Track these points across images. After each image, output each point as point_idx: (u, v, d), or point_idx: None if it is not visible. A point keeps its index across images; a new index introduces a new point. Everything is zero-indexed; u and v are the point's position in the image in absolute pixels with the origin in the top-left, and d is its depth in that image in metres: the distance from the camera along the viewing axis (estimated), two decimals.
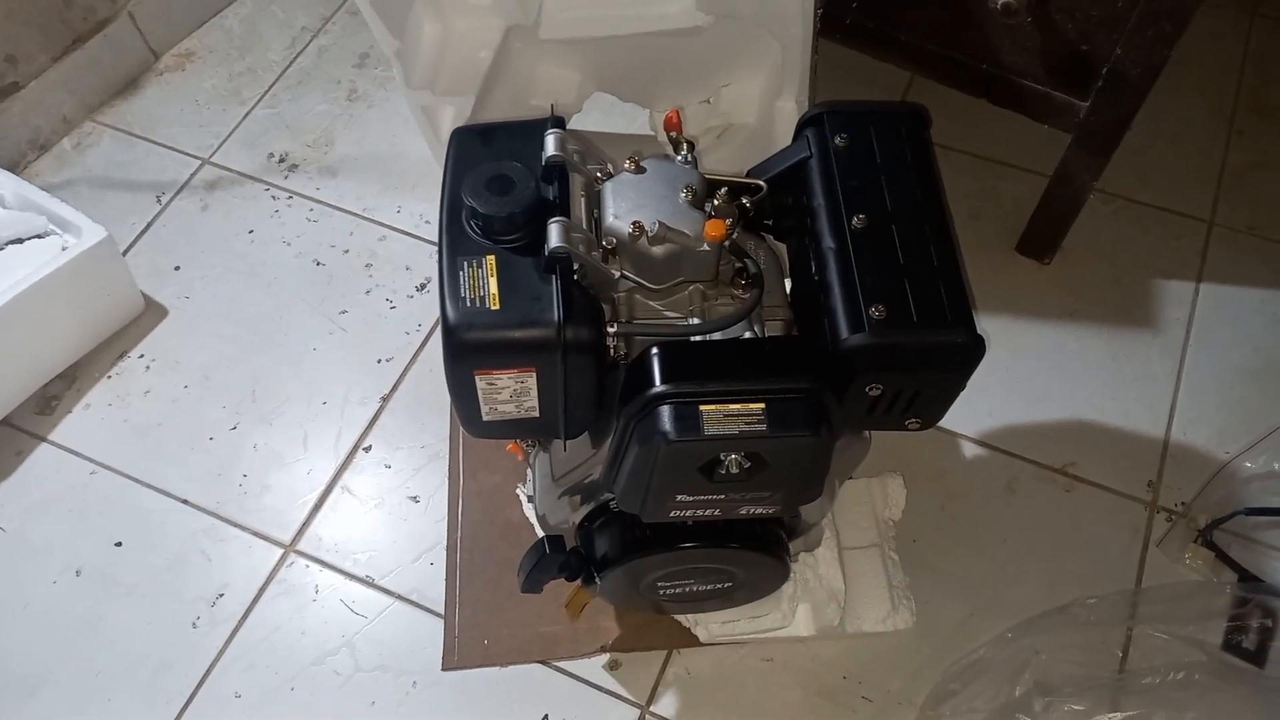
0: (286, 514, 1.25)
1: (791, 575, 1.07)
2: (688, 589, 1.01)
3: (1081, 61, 1.21)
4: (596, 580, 0.96)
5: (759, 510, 0.86)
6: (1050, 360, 1.38)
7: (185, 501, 1.26)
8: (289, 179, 1.56)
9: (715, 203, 0.86)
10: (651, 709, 1.13)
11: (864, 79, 1.56)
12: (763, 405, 0.76)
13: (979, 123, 1.51)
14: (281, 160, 1.58)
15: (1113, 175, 1.36)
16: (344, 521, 1.25)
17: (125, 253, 1.47)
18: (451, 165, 0.85)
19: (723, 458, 0.77)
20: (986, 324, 1.27)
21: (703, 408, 0.75)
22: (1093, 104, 1.23)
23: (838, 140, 0.88)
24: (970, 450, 1.30)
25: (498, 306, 0.78)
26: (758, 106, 1.22)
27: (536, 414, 0.85)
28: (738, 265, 0.88)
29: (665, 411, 0.75)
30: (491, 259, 0.80)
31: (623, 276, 0.85)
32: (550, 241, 0.79)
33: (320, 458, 1.30)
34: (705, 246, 0.83)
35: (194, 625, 1.17)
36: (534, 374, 0.80)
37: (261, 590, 1.20)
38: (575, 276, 0.80)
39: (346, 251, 1.48)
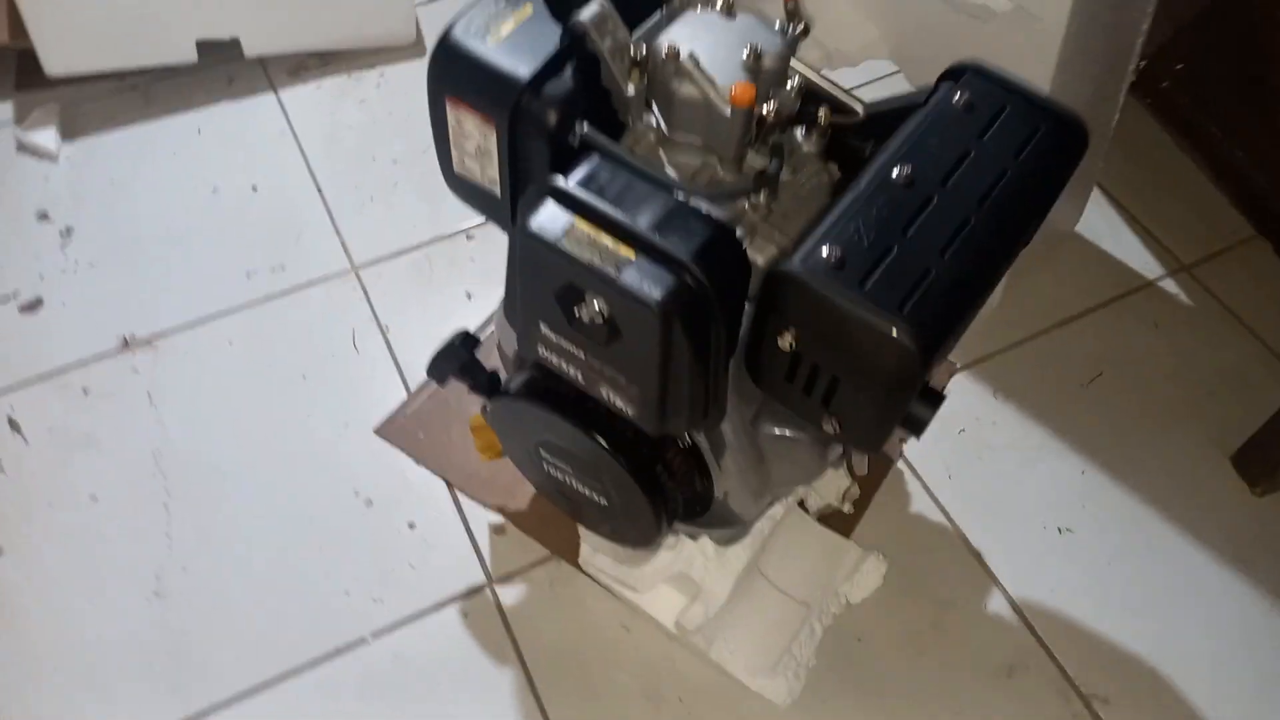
0: None
1: (675, 548, 0.94)
2: (567, 478, 0.92)
3: None
4: (487, 406, 0.91)
5: (620, 404, 0.75)
6: (1191, 603, 1.08)
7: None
8: None
9: (781, 90, 0.75)
10: (496, 586, 1.05)
11: (1162, 167, 1.30)
12: (633, 253, 0.65)
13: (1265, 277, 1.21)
14: None
15: None
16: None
17: None
18: None
19: (585, 300, 0.68)
20: (1143, 523, 1.05)
21: (577, 221, 0.67)
22: None
23: (958, 98, 0.73)
24: (998, 607, 1.05)
25: (494, 42, 0.74)
26: None
27: (497, 190, 0.80)
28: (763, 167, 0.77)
29: (544, 205, 0.68)
30: (528, 7, 0.76)
31: (636, 99, 0.77)
32: (579, 13, 0.73)
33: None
34: (727, 109, 0.73)
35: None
36: (494, 132, 0.76)
37: None
38: (599, 76, 0.74)
39: None
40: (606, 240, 0.66)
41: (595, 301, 0.67)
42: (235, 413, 1.17)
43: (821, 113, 0.77)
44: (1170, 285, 1.29)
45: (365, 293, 1.28)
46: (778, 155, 0.76)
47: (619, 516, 0.91)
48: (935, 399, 0.71)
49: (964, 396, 1.19)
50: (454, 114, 0.78)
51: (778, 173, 0.76)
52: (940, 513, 1.10)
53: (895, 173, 0.69)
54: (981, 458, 1.15)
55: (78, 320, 1.26)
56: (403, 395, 1.18)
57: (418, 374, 1.16)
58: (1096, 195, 1.37)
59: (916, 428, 0.72)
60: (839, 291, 0.64)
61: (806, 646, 0.98)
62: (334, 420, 1.16)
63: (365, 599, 1.04)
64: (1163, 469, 1.13)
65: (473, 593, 1.05)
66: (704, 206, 0.75)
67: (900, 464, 1.14)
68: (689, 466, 0.86)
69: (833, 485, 1.04)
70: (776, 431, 0.82)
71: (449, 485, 1.12)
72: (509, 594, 1.05)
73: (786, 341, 0.69)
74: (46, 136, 1.42)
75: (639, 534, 0.91)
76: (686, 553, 0.93)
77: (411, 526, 1.09)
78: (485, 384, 0.93)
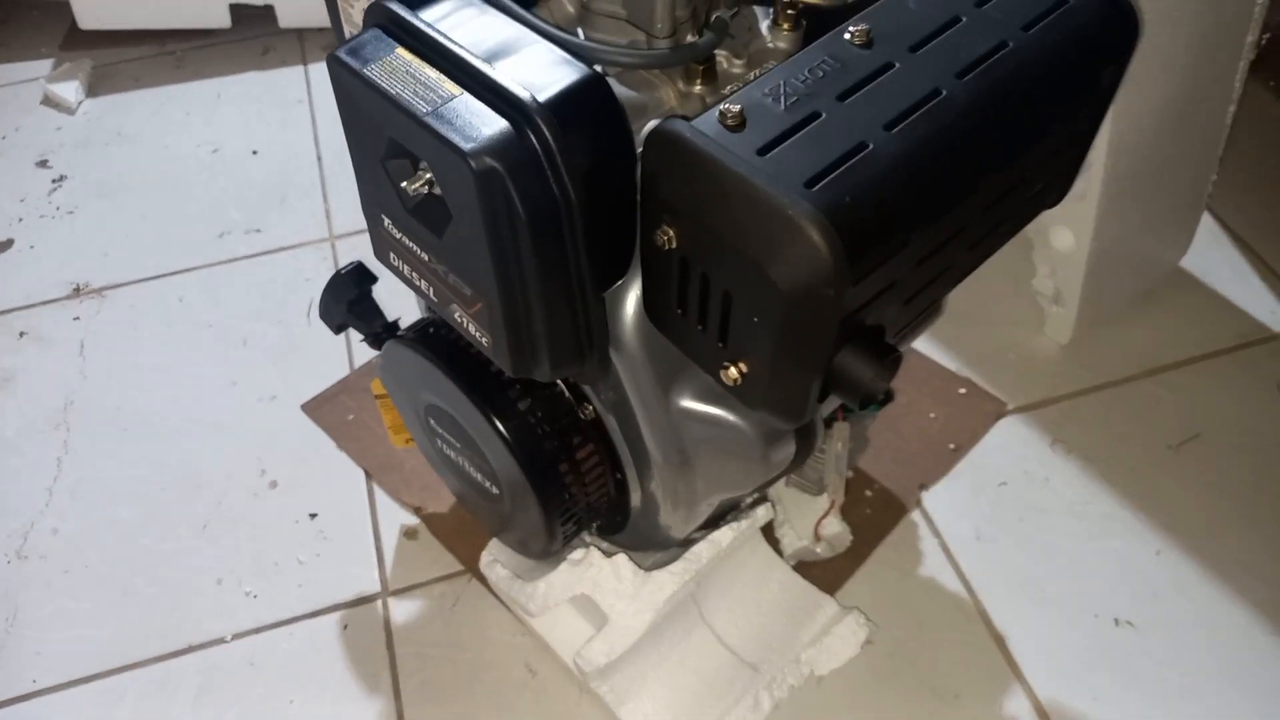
0: None
1: (580, 563, 0.73)
2: (457, 459, 0.74)
3: None
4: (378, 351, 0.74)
5: (473, 331, 0.57)
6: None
7: None
8: None
9: None
10: (390, 599, 0.86)
11: None
12: (458, 91, 0.48)
13: None
14: None
15: None
16: None
17: None
18: None
19: (416, 171, 0.51)
20: (1228, 629, 0.83)
21: (400, 49, 0.50)
22: None
23: None
24: (1018, 709, 0.79)
25: None
26: None
27: None
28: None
29: (367, 31, 0.52)
30: None
31: None
32: None
33: None
34: None
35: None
36: None
37: None
38: None
39: None
40: (429, 72, 0.49)
41: (422, 168, 0.51)
42: (160, 372, 1.05)
43: None
44: None
45: (336, 262, 1.15)
46: (716, 31, 0.59)
47: (512, 512, 0.72)
48: (883, 350, 0.50)
49: (1012, 444, 0.95)
50: None
51: (710, 47, 0.58)
52: (959, 581, 0.86)
53: (850, 30, 0.50)
54: (1024, 520, 0.89)
55: (39, 264, 1.17)
56: (345, 373, 1.03)
57: (366, 351, 1.01)
58: (1210, 223, 1.11)
59: (856, 392, 0.51)
60: (725, 154, 0.45)
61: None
62: (262, 391, 1.02)
63: (238, 591, 0.87)
64: (1261, 564, 0.85)
65: (361, 602, 0.86)
66: (615, 89, 0.58)
67: (916, 514, 0.90)
68: (592, 450, 0.67)
69: (810, 517, 0.82)
70: (696, 407, 0.62)
71: (367, 476, 0.95)
72: (402, 609, 0.86)
73: (665, 236, 0.50)
74: (68, 89, 1.38)
75: (533, 537, 0.72)
76: (594, 573, 0.72)
77: (313, 517, 0.92)
78: (380, 332, 0.77)
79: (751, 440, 0.63)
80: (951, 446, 0.94)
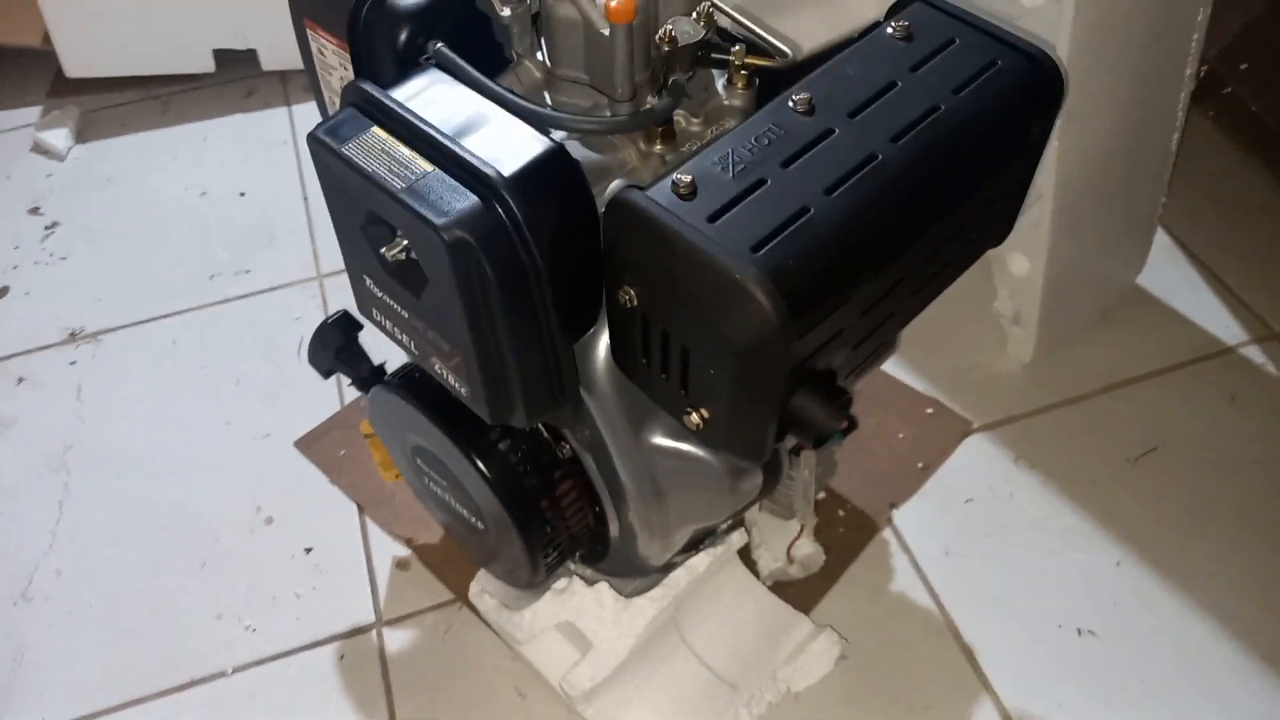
0: None
1: (564, 592, 0.77)
2: (445, 496, 0.77)
3: None
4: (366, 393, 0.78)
5: (452, 382, 0.61)
6: None
7: None
8: None
9: (681, 17, 0.62)
10: (385, 629, 0.90)
11: (1241, 201, 1.08)
12: (430, 168, 0.52)
13: None
14: None
15: None
16: None
17: None
18: None
19: (394, 238, 0.55)
20: (1188, 637, 0.87)
21: (376, 128, 0.54)
22: None
23: (895, 28, 0.58)
24: (987, 719, 0.83)
25: None
26: None
27: None
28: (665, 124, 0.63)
29: (344, 110, 0.55)
30: None
31: (517, 27, 0.64)
32: None
33: None
34: (605, 28, 0.60)
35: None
36: (348, 56, 0.65)
37: None
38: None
39: None
40: (403, 150, 0.53)
41: (399, 235, 0.54)
42: (157, 413, 1.08)
43: (735, 51, 0.63)
44: (1255, 353, 1.06)
45: (324, 301, 1.18)
46: (673, 94, 0.63)
47: (496, 545, 0.76)
48: (833, 394, 0.54)
49: (977, 462, 0.99)
50: (315, 43, 0.68)
51: (668, 110, 0.62)
52: (929, 596, 0.89)
53: (794, 99, 0.54)
54: (990, 536, 0.93)
55: (35, 310, 1.21)
56: (336, 409, 1.07)
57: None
58: (1167, 241, 1.16)
59: (810, 434, 0.55)
60: (678, 222, 0.49)
61: None
62: (256, 429, 1.05)
63: (237, 626, 0.91)
64: (1221, 572, 0.89)
65: (357, 632, 0.90)
66: (577, 152, 0.62)
67: (887, 532, 0.94)
68: (570, 486, 0.71)
69: (784, 539, 0.86)
70: (665, 443, 0.66)
71: (360, 510, 0.98)
72: (396, 638, 0.89)
73: (627, 296, 0.53)
74: (57, 136, 1.42)
75: (518, 568, 0.75)
76: (576, 601, 0.76)
77: (308, 551, 0.95)
78: (367, 377, 0.81)
79: (719, 473, 0.67)
80: (920, 465, 0.98)
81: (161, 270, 1.24)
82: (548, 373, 0.59)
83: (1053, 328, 1.04)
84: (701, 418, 0.55)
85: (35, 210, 1.34)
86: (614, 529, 0.74)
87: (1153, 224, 1.06)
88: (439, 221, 0.50)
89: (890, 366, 1.07)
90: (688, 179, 0.50)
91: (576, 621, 0.76)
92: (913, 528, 0.94)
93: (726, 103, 0.66)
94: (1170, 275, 1.13)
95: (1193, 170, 1.15)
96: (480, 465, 0.69)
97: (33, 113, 1.48)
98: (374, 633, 0.90)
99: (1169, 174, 1.01)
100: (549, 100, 0.66)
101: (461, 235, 0.50)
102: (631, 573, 0.80)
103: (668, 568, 0.79)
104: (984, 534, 0.93)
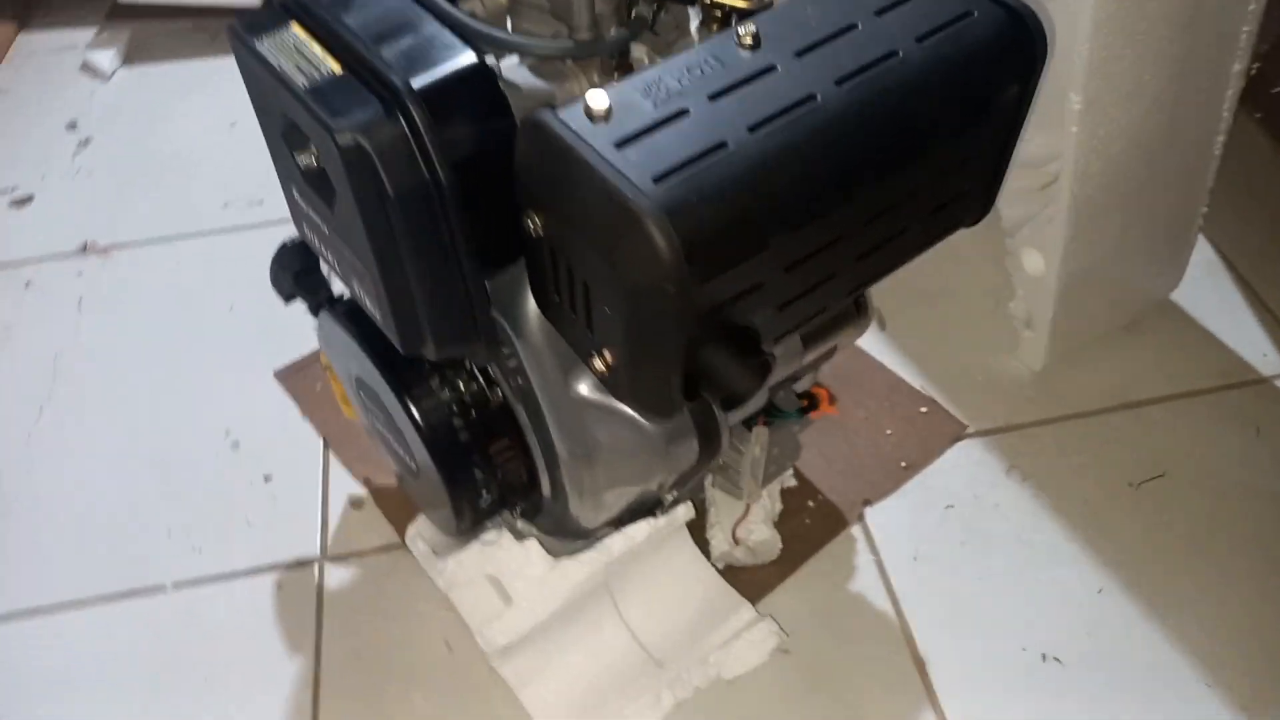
0: None
1: (493, 544, 0.74)
2: (384, 432, 0.75)
3: None
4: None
5: (369, 305, 0.58)
6: None
7: None
8: None
9: None
10: (327, 564, 0.88)
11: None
12: (338, 69, 0.49)
13: None
14: None
15: None
16: None
17: None
18: None
19: (308, 144, 0.52)
20: (1167, 679, 0.82)
21: (295, 25, 0.52)
22: None
23: None
24: None
25: None
26: None
27: None
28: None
29: (271, 5, 0.53)
30: None
31: None
32: None
33: None
34: None
35: None
36: None
37: None
38: None
39: None
40: (315, 49, 0.50)
41: (312, 149, 0.52)
42: (149, 330, 1.09)
43: None
44: None
45: None
46: (632, 27, 0.59)
47: (430, 490, 0.73)
48: (748, 352, 0.50)
49: (966, 467, 0.93)
50: None
51: (622, 42, 0.59)
52: (888, 600, 0.84)
53: (739, 32, 0.50)
54: (966, 544, 0.88)
55: (54, 221, 1.23)
56: None
57: None
58: (1211, 255, 1.08)
59: (721, 391, 0.51)
60: (581, 145, 0.45)
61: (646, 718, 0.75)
62: (241, 356, 1.05)
63: (185, 545, 0.90)
64: (1211, 614, 0.83)
65: (299, 565, 0.89)
66: (523, 78, 0.59)
67: (856, 529, 0.89)
68: (501, 435, 0.68)
69: (732, 519, 0.82)
70: (594, 397, 0.63)
71: (325, 445, 0.97)
72: (337, 575, 0.88)
73: (533, 223, 0.50)
74: (104, 58, 1.44)
75: (446, 515, 0.73)
76: (503, 556, 0.73)
77: (267, 479, 0.95)
78: (323, 303, 0.79)
79: (649, 435, 0.63)
80: (903, 464, 0.93)
81: (179, 194, 1.25)
82: (456, 303, 0.56)
83: (1067, 334, 0.97)
84: (605, 363, 0.52)
85: (72, 125, 1.36)
86: (546, 486, 0.71)
87: (1191, 234, 0.99)
88: (332, 123, 0.47)
89: (888, 359, 1.01)
90: (603, 103, 0.47)
91: (500, 576, 0.73)
92: (884, 527, 0.89)
93: (698, 44, 0.63)
94: (1208, 292, 1.05)
95: (1241, 178, 1.06)
96: (407, 401, 0.66)
97: (87, 34, 1.51)
98: (315, 567, 0.88)
99: (1211, 180, 0.93)
100: (509, 25, 0.63)
101: (356, 140, 0.47)
102: (570, 535, 0.77)
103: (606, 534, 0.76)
104: (959, 542, 0.88)
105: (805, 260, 0.51)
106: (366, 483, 0.94)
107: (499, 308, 0.60)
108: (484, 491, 0.70)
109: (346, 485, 0.94)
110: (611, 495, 0.71)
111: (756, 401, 0.73)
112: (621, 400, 0.58)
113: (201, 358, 1.06)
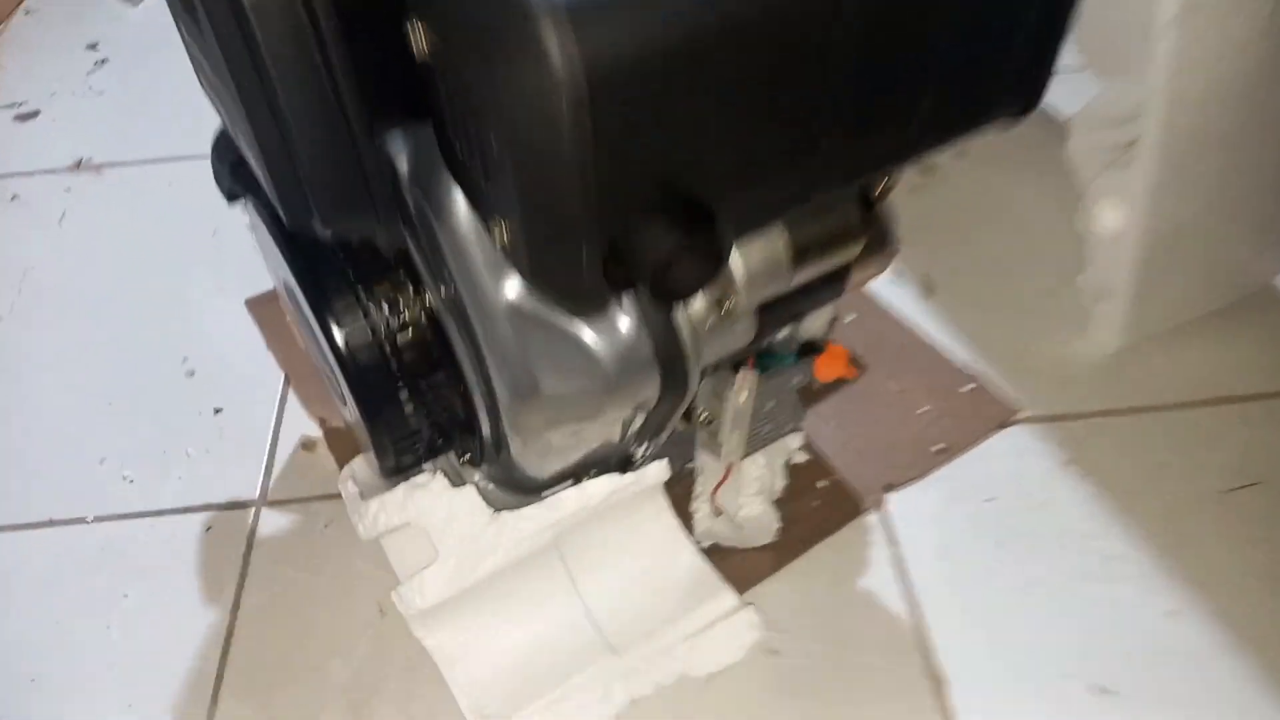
0: None
1: (424, 487, 0.63)
2: (315, 352, 0.65)
3: None
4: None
5: (259, 174, 0.48)
6: None
7: None
8: None
9: None
10: (264, 509, 0.78)
11: None
12: None
13: None
14: None
15: None
16: None
17: None
18: None
19: None
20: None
21: None
22: None
23: None
24: None
25: None
26: None
27: None
28: None
29: None
30: None
31: None
32: None
33: None
34: None
35: None
36: None
37: None
38: None
39: None
40: None
41: None
42: (126, 251, 1.01)
43: None
44: None
45: None
46: None
47: (356, 420, 0.63)
48: (691, 216, 0.37)
49: (1014, 456, 0.78)
50: None
51: None
52: (904, 601, 0.70)
53: None
54: (1005, 545, 0.73)
55: (55, 136, 1.17)
56: None
57: None
58: None
59: (645, 270, 0.38)
60: None
61: (592, 717, 0.62)
62: (213, 281, 0.96)
63: (116, 475, 0.81)
64: None
65: (234, 507, 0.79)
66: None
67: (875, 517, 0.75)
68: (430, 353, 0.56)
69: (729, 492, 0.69)
70: (520, 301, 0.51)
71: (285, 380, 0.87)
72: (272, 521, 0.77)
73: (418, 36, 0.39)
74: None
75: (371, 449, 0.62)
76: (429, 502, 0.62)
77: (217, 411, 0.85)
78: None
79: (592, 356, 0.51)
80: (937, 448, 0.79)
81: (179, 116, 1.17)
82: (345, 162, 0.45)
83: (1148, 312, 0.82)
84: (503, 230, 0.40)
85: (92, 46, 1.31)
86: (484, 425, 0.59)
87: None
88: None
89: (933, 329, 0.87)
90: None
91: (427, 527, 0.62)
92: (907, 517, 0.75)
93: None
94: None
95: None
96: (321, 310, 0.56)
97: None
98: (251, 511, 0.78)
99: None
100: None
101: None
102: (520, 489, 0.65)
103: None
104: (997, 542, 0.73)
105: (771, 104, 0.38)
106: (322, 423, 0.84)
107: (419, 183, 0.49)
108: (410, 423, 0.59)
109: (302, 425, 0.84)
110: (558, 437, 0.58)
111: (745, 335, 0.60)
112: (525, 277, 0.45)
113: (173, 281, 0.97)
